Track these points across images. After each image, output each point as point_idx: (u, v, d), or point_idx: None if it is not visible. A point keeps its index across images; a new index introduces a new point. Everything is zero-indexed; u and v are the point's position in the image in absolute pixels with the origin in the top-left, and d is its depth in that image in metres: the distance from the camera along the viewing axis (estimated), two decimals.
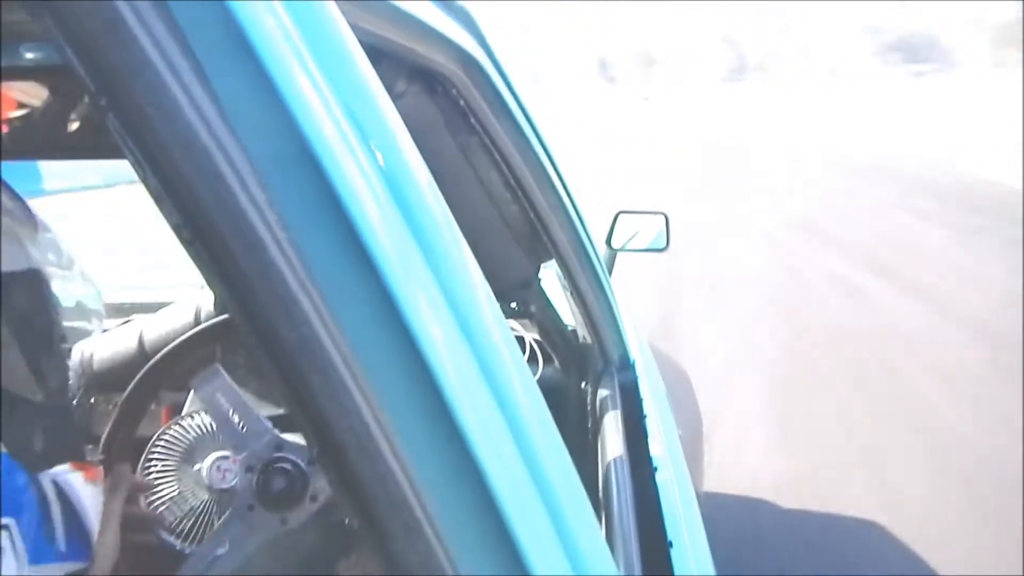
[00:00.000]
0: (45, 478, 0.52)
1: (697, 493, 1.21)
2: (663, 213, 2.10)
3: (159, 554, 0.77)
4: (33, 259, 0.55)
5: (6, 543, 0.46)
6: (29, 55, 0.64)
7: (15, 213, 0.56)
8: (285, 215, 0.31)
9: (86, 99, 0.30)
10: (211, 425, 0.82)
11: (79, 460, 0.56)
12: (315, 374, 0.32)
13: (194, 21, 0.29)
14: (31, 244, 0.56)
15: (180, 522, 0.80)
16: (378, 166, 0.36)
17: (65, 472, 0.54)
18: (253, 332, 0.32)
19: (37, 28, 0.29)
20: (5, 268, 0.52)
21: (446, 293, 0.38)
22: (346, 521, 0.34)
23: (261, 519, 0.75)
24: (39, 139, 0.90)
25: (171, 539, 0.79)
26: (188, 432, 0.84)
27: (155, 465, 0.83)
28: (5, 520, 0.47)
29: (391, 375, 0.33)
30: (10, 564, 0.46)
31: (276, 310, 0.31)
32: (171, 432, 0.84)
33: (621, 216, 2.09)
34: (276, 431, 0.79)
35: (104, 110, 0.29)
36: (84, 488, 0.54)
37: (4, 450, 0.48)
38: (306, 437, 0.34)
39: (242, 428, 0.78)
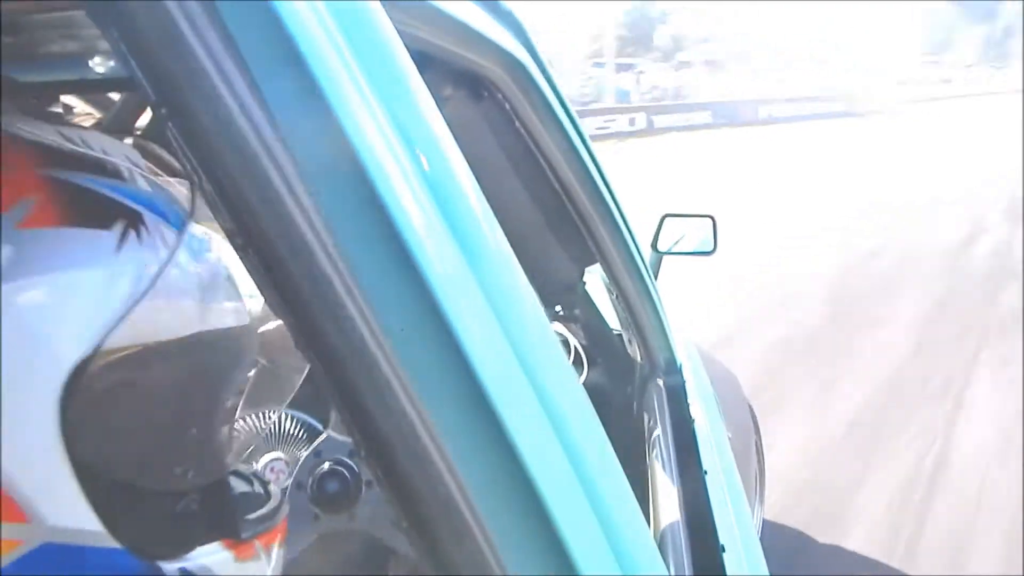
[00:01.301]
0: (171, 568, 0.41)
1: (750, 498, 1.19)
2: (710, 216, 2.06)
3: None
4: (203, 318, 0.43)
5: None
6: (99, 68, 0.67)
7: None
8: (332, 221, 0.32)
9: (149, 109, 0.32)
10: (261, 428, 0.84)
11: (232, 536, 0.45)
12: (361, 377, 0.32)
13: (245, 30, 0.30)
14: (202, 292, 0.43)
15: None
16: (423, 171, 0.36)
17: (208, 553, 0.43)
18: (301, 335, 0.33)
19: (106, 43, 0.30)
20: (161, 336, 0.40)
21: (490, 297, 0.38)
22: (398, 523, 0.35)
23: (328, 524, 0.77)
24: None
25: None
26: (241, 435, 0.86)
27: None
28: None
29: (436, 379, 0.34)
30: None
31: (323, 314, 0.32)
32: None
33: (667, 219, 2.06)
34: (325, 432, 0.80)
35: (164, 118, 0.30)
36: (231, 569, 0.43)
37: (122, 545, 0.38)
38: (353, 438, 0.35)
39: (288, 431, 0.80)
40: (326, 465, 0.77)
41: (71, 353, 0.36)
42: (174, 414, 0.43)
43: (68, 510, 0.37)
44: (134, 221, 0.40)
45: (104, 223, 0.39)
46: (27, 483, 0.36)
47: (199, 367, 0.43)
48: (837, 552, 2.50)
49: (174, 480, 0.43)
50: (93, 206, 0.39)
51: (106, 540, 0.38)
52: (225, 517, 0.46)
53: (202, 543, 0.43)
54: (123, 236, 0.39)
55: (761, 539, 1.05)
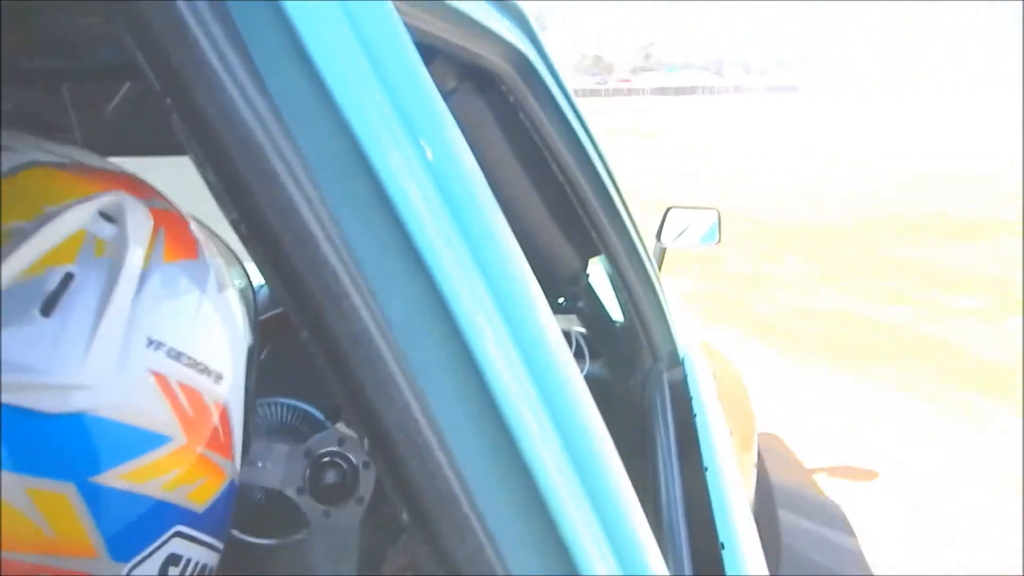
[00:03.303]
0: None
1: (748, 494, 1.19)
2: (715, 208, 2.06)
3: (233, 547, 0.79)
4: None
5: None
6: (103, 56, 0.67)
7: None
8: (336, 212, 0.32)
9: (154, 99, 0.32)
10: (271, 416, 0.84)
11: None
12: (365, 368, 0.32)
13: (250, 20, 0.30)
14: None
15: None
16: (428, 163, 0.36)
17: None
18: (305, 326, 0.33)
19: (111, 30, 0.30)
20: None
21: (494, 288, 0.38)
22: (399, 516, 0.35)
23: (306, 504, 0.77)
24: (111, 136, 0.93)
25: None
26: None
27: None
28: None
29: (439, 370, 0.34)
30: None
31: (327, 305, 0.32)
32: None
33: (672, 211, 2.06)
34: (328, 423, 0.80)
35: (169, 109, 0.30)
36: None
37: None
38: (357, 430, 0.35)
39: (302, 422, 0.80)
40: (339, 459, 0.77)
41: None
42: None
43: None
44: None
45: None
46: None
47: None
48: None
49: None
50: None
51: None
52: None
53: None
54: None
55: None
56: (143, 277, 0.39)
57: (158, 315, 0.39)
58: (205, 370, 0.42)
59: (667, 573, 0.42)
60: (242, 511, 0.80)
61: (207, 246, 0.47)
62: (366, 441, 0.34)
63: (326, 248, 0.31)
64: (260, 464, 0.76)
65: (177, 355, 0.40)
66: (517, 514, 0.35)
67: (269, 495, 0.80)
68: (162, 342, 0.39)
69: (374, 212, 0.33)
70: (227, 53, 0.30)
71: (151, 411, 0.38)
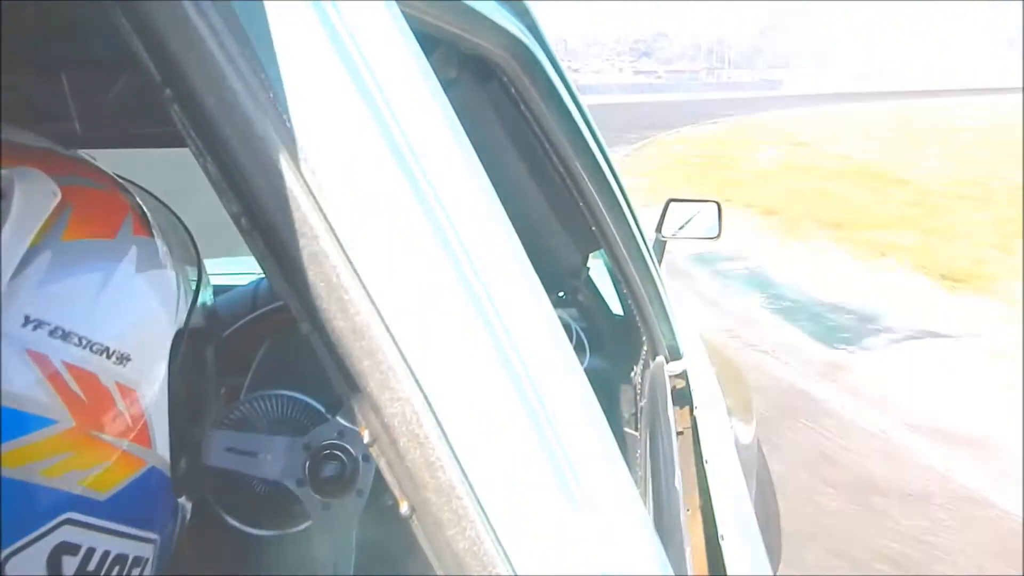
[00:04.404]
0: None
1: (749, 487, 1.19)
2: (715, 201, 2.06)
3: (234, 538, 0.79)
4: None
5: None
6: (101, 47, 0.66)
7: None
8: (336, 203, 0.31)
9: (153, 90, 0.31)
10: (272, 409, 0.84)
11: None
12: (366, 360, 0.32)
13: (249, 11, 0.30)
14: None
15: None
16: (428, 154, 0.36)
17: None
18: (306, 318, 0.33)
19: (109, 21, 0.30)
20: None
21: (494, 280, 0.38)
22: (398, 508, 0.35)
23: (306, 496, 0.77)
24: (108, 129, 0.93)
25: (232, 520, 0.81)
26: (249, 416, 0.86)
27: None
28: None
29: (439, 362, 0.34)
30: None
31: (328, 297, 0.32)
32: (232, 415, 0.86)
33: (672, 204, 2.05)
34: (329, 416, 0.80)
35: (169, 101, 0.30)
36: None
37: None
38: (357, 421, 0.35)
39: (303, 415, 0.80)
40: (339, 452, 0.77)
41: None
42: None
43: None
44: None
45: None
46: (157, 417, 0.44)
47: None
48: None
49: None
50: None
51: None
52: None
53: None
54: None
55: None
56: (29, 254, 0.37)
57: (43, 293, 0.37)
58: (104, 351, 0.39)
59: (667, 565, 0.42)
60: (242, 502, 0.80)
61: (141, 228, 0.45)
62: (366, 433, 0.34)
63: (325, 240, 0.31)
64: (260, 456, 0.76)
65: (64, 334, 0.38)
66: (517, 504, 0.35)
67: (269, 487, 0.80)
68: (44, 321, 0.37)
69: (374, 204, 0.32)
70: (227, 43, 0.29)
71: (27, 392, 0.36)
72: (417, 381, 0.33)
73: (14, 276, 0.37)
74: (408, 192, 0.33)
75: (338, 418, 0.79)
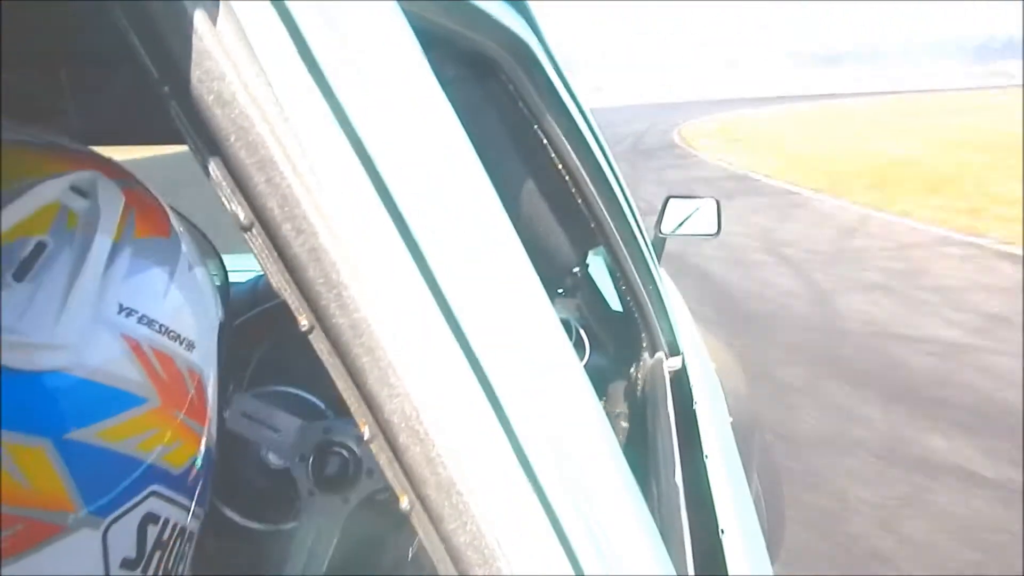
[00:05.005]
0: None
1: (749, 481, 1.20)
2: (714, 198, 2.06)
3: (227, 530, 0.79)
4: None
5: None
6: (103, 40, 0.66)
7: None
8: (335, 201, 0.32)
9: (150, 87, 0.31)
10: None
11: None
12: (365, 356, 0.32)
13: (248, 9, 0.30)
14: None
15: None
16: (427, 151, 0.36)
17: None
18: (305, 315, 0.33)
19: (106, 16, 0.30)
20: None
21: (493, 278, 0.38)
22: (398, 503, 0.35)
23: (324, 502, 0.77)
24: (110, 123, 0.93)
25: (233, 515, 0.81)
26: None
27: None
28: None
29: (438, 359, 0.34)
30: None
31: (327, 294, 0.32)
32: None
33: (671, 201, 2.06)
34: (329, 413, 0.80)
35: (167, 97, 0.30)
36: None
37: None
38: (357, 418, 0.35)
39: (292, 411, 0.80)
40: (336, 447, 0.77)
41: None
42: None
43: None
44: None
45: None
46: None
47: None
48: None
49: None
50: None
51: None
52: None
53: None
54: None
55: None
56: (115, 249, 0.41)
57: (129, 285, 0.41)
58: (177, 337, 0.44)
59: (667, 559, 0.42)
60: (240, 495, 0.81)
61: (179, 230, 0.49)
62: (366, 429, 0.34)
63: (325, 238, 0.31)
64: (270, 429, 0.78)
65: (149, 322, 0.41)
66: (516, 499, 0.35)
67: (269, 481, 0.80)
68: (134, 309, 0.41)
69: (373, 201, 0.33)
70: (225, 39, 0.29)
71: (125, 373, 0.40)
72: (415, 377, 0.33)
73: (107, 268, 0.40)
74: (407, 189, 0.33)
75: (337, 415, 0.79)
